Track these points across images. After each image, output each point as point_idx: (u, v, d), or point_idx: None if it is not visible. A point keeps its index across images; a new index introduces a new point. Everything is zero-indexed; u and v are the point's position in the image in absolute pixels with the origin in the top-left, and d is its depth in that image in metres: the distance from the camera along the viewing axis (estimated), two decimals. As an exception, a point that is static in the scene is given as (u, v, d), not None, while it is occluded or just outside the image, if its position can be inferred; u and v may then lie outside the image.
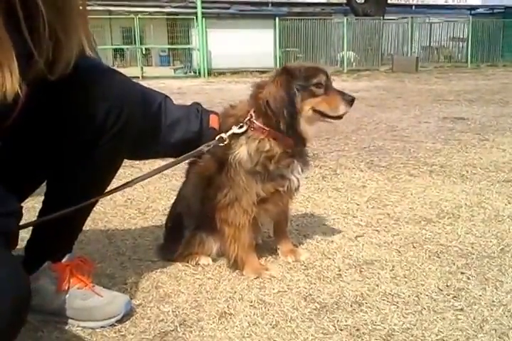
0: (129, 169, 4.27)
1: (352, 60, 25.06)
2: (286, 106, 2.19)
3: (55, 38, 1.50)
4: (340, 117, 2.26)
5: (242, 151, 2.25)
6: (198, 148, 2.25)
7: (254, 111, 2.27)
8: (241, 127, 2.25)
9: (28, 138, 1.87)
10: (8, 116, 1.55)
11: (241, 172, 2.27)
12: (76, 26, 1.55)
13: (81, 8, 1.57)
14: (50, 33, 1.48)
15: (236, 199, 2.30)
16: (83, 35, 1.60)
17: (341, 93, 2.25)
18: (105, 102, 1.84)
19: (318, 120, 2.29)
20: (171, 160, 2.31)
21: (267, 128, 2.24)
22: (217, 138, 2.25)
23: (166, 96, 2.30)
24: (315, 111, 2.23)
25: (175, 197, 2.65)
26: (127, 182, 2.18)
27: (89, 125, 1.85)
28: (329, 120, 2.28)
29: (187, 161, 2.45)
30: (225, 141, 2.24)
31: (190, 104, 2.45)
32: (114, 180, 2.14)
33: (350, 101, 2.24)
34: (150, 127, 2.15)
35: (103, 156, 1.93)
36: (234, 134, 2.26)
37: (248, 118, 2.25)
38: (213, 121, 2.37)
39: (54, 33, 1.48)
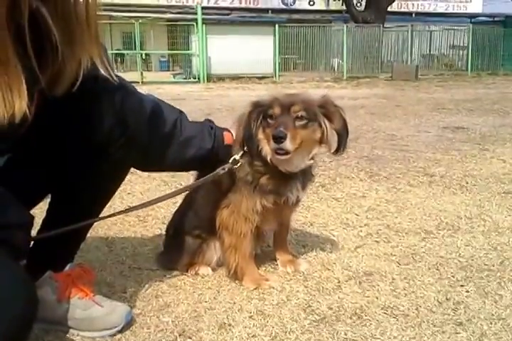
0: (129, 176, 4.24)
1: (339, 66, 25.24)
2: (246, 139, 2.22)
3: (62, 58, 1.51)
4: (277, 153, 2.14)
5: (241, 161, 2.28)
6: (214, 172, 2.25)
7: None
8: None
9: (35, 149, 1.88)
10: (18, 129, 1.56)
11: (239, 179, 2.29)
12: (85, 47, 1.56)
13: (93, 29, 1.58)
14: (59, 54, 1.50)
15: (236, 206, 2.31)
16: (96, 56, 1.61)
17: (276, 127, 2.13)
18: (111, 117, 1.86)
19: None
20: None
21: None
22: (230, 160, 2.25)
23: (181, 112, 2.29)
24: None
25: (179, 204, 2.66)
26: (134, 207, 2.30)
27: (95, 138, 1.86)
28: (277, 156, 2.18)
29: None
30: (238, 162, 2.26)
31: (202, 120, 2.42)
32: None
33: (273, 137, 2.11)
34: (162, 143, 2.14)
35: (108, 168, 1.96)
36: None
37: None
38: (228, 139, 2.35)
39: (61, 54, 1.50)
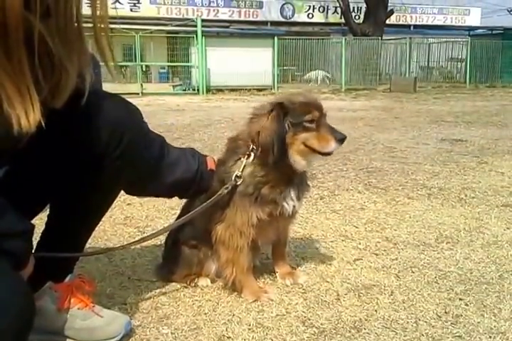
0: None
1: (321, 79, 25.36)
2: (276, 142, 2.20)
3: (60, 70, 1.54)
4: (328, 154, 2.26)
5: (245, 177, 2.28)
6: (218, 192, 2.26)
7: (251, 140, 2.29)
8: (249, 157, 2.28)
9: (33, 161, 1.88)
10: (21, 140, 1.58)
11: (236, 193, 2.29)
12: (82, 60, 1.59)
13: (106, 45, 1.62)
14: (57, 65, 1.52)
15: (231, 220, 2.31)
16: (85, 65, 1.64)
17: (332, 130, 2.23)
18: (108, 127, 1.87)
19: (308, 154, 2.27)
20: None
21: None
22: (233, 176, 2.26)
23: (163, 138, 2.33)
24: (306, 146, 2.23)
25: (178, 213, 2.64)
26: (142, 238, 2.30)
27: (92, 148, 1.87)
28: (318, 155, 2.27)
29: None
30: (241, 177, 2.27)
31: (184, 147, 2.48)
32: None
33: (340, 140, 2.21)
34: (152, 162, 2.17)
35: (104, 179, 1.96)
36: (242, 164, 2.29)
37: (252, 146, 2.27)
38: (210, 164, 2.40)
39: (60, 67, 1.52)
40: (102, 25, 1.63)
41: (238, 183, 2.27)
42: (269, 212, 2.32)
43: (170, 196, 2.49)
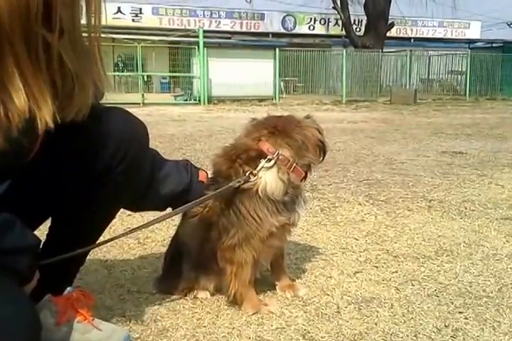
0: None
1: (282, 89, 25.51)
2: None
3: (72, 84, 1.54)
4: None
5: (274, 182, 2.26)
6: (229, 184, 2.22)
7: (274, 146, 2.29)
8: (269, 161, 2.26)
9: (36, 174, 1.89)
10: (28, 154, 1.58)
11: (263, 204, 2.25)
12: (92, 74, 1.59)
13: (97, 54, 1.62)
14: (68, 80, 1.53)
15: (246, 239, 2.28)
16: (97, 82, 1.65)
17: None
18: (112, 142, 1.87)
19: None
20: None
21: (293, 163, 2.29)
22: (247, 173, 2.23)
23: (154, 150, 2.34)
24: None
25: (177, 224, 2.63)
26: (142, 225, 2.23)
27: (98, 161, 1.87)
28: None
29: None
30: (255, 175, 2.23)
31: (176, 160, 2.48)
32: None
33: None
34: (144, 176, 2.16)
35: (108, 193, 1.96)
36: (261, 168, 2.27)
37: (278, 152, 2.26)
38: (202, 176, 2.40)
39: (76, 83, 1.53)
40: (96, 35, 1.62)
41: (252, 180, 2.23)
42: (285, 222, 2.32)
43: (163, 209, 2.48)
